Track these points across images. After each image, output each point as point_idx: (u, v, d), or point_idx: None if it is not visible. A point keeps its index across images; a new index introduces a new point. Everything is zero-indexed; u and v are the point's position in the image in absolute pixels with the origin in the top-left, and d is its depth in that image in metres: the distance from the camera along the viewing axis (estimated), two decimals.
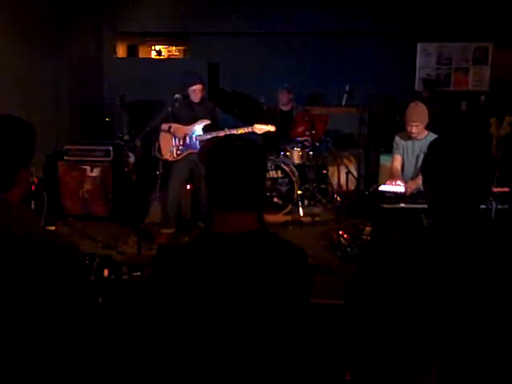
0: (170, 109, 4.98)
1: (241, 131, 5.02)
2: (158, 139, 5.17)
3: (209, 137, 5.09)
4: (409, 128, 4.45)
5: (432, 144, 1.64)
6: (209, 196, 1.55)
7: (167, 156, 5.15)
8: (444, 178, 1.54)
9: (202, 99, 5.13)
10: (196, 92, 5.04)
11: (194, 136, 5.12)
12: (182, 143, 5.12)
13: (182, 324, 1.48)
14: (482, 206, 1.60)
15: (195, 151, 5.13)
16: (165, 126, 5.11)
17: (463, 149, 1.56)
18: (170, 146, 5.14)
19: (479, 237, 1.54)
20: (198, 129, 5.13)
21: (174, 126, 5.10)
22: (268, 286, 1.46)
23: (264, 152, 1.62)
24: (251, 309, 1.45)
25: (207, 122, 5.12)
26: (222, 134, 5.00)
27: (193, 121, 5.13)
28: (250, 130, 5.02)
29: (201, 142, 5.12)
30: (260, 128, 5.07)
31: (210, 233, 1.55)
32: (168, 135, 5.12)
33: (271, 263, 1.48)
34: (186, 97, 5.09)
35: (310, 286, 1.54)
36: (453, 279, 1.47)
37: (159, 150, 5.20)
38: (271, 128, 5.10)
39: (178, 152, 5.14)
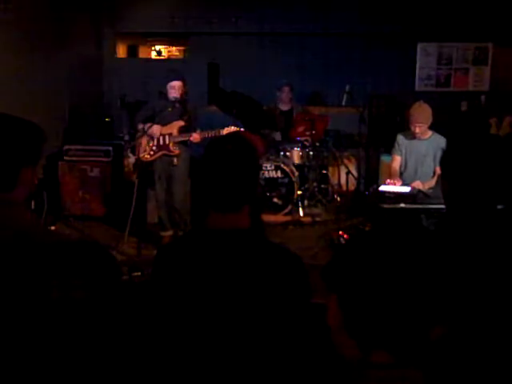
0: (154, 108, 4.99)
1: (211, 135, 4.83)
2: (134, 138, 5.10)
3: (182, 139, 5.00)
4: (412, 128, 4.45)
5: (453, 139, 1.65)
6: (202, 197, 1.58)
7: (141, 156, 5.07)
8: (465, 174, 1.55)
9: (183, 100, 4.97)
10: (175, 89, 4.93)
11: (167, 137, 5.03)
12: (156, 143, 5.04)
13: (177, 320, 1.51)
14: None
15: (168, 152, 5.04)
16: (140, 126, 5.04)
17: (486, 146, 1.57)
18: (144, 146, 5.08)
19: (496, 234, 1.55)
20: (172, 130, 5.03)
21: (151, 125, 4.97)
22: (252, 283, 1.48)
23: (255, 153, 1.61)
24: (237, 305, 1.47)
25: (182, 123, 5.01)
26: (196, 136, 4.90)
27: (169, 121, 5.02)
28: (220, 133, 4.79)
29: (174, 143, 5.02)
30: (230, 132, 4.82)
31: (202, 229, 1.59)
32: (144, 135, 5.04)
33: (255, 262, 1.51)
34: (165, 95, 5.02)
35: (302, 284, 1.55)
36: (463, 275, 1.47)
37: (133, 150, 5.16)
38: None
39: (151, 152, 5.06)
